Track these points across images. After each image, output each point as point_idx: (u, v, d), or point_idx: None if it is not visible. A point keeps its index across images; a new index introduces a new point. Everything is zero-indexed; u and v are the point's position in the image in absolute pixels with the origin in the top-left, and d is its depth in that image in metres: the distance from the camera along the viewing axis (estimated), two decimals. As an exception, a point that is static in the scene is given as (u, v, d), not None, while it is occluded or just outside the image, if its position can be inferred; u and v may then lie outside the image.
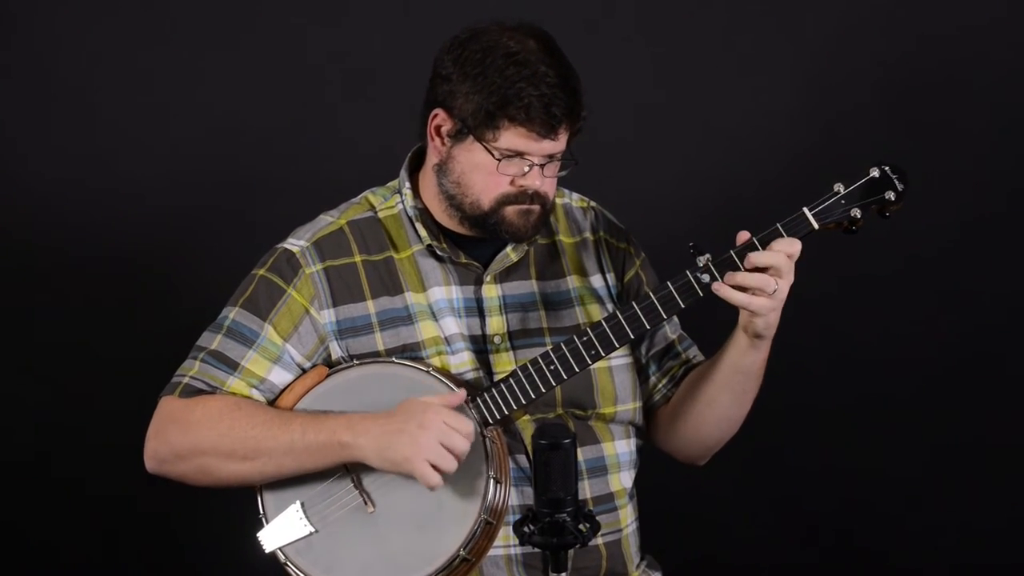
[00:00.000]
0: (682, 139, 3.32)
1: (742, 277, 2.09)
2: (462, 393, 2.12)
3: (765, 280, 2.08)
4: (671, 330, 2.37)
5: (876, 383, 3.30)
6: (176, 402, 2.18)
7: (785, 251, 2.08)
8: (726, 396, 2.25)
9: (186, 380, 2.19)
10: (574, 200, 2.39)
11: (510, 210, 2.18)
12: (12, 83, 3.26)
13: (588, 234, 2.36)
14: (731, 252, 2.11)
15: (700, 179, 3.31)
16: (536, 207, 2.19)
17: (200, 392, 2.18)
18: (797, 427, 3.27)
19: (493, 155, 2.14)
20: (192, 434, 2.15)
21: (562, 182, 2.31)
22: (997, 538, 3.32)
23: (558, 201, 2.36)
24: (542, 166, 2.16)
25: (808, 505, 3.34)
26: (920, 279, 3.27)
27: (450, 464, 2.06)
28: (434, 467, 2.05)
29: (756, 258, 2.09)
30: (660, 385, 2.35)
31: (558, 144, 2.15)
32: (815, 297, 3.06)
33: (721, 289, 2.10)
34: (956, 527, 3.33)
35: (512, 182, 2.16)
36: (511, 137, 2.13)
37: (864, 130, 3.26)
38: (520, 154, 2.14)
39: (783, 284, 2.09)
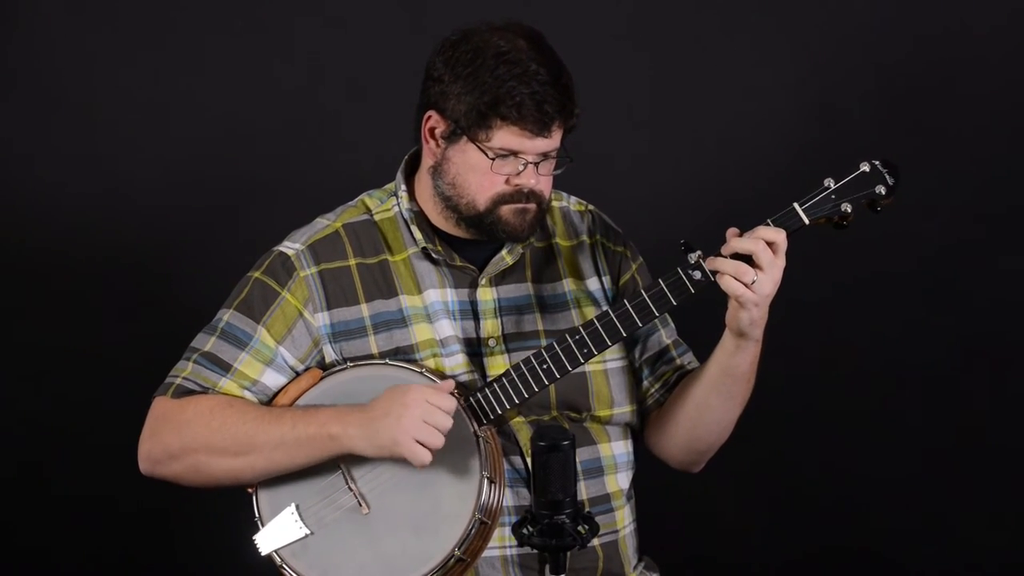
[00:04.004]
0: (679, 141, 3.33)
1: (720, 262, 2.08)
2: (449, 383, 2.13)
3: (743, 269, 2.07)
4: (666, 335, 2.36)
5: (874, 384, 3.30)
6: (168, 402, 2.18)
7: (764, 238, 2.07)
8: (715, 399, 2.23)
9: (179, 381, 2.19)
10: (572, 204, 2.38)
11: (506, 209, 2.17)
12: (10, 85, 3.27)
13: (585, 237, 2.35)
14: (721, 249, 2.10)
15: (696, 181, 3.32)
16: (532, 206, 2.18)
17: (192, 393, 2.18)
18: (796, 428, 3.27)
19: (487, 155, 2.14)
20: (185, 433, 2.15)
21: (560, 185, 2.31)
22: (996, 538, 3.32)
23: (556, 204, 2.36)
24: (536, 164, 2.16)
25: (807, 506, 3.33)
26: (919, 280, 3.27)
27: (436, 440, 2.06)
28: (422, 444, 2.06)
29: (734, 243, 2.08)
30: (653, 390, 2.33)
31: (552, 142, 2.15)
32: (813, 299, 3.08)
33: (712, 264, 2.08)
34: (954, 527, 3.32)
35: (507, 181, 2.16)
36: (504, 136, 2.13)
37: (861, 132, 3.27)
38: (514, 153, 2.14)
39: (763, 277, 2.07)
